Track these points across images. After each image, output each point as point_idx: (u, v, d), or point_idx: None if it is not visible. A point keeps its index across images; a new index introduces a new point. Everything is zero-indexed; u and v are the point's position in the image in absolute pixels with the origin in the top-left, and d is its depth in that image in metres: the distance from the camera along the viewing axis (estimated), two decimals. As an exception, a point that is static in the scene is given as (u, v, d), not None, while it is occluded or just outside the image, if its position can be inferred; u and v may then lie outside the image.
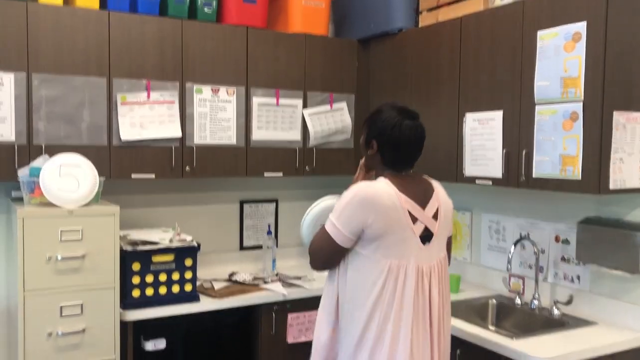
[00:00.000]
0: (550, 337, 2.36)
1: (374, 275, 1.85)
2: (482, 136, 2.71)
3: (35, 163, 2.56)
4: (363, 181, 1.98)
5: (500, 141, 2.62)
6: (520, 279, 2.90)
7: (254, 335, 3.00)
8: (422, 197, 1.95)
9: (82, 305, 2.52)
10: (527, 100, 2.49)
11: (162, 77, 2.93)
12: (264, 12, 3.24)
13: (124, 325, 2.64)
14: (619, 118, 2.25)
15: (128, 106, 2.86)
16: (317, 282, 3.15)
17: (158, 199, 3.32)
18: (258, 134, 3.21)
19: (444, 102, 2.93)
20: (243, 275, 3.17)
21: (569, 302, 2.60)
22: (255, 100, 3.20)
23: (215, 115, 3.09)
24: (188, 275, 2.80)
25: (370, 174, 2.10)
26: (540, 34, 2.43)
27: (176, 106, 2.97)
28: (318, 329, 2.01)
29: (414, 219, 1.89)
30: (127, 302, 2.66)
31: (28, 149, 2.65)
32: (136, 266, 2.68)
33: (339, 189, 3.65)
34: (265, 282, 3.11)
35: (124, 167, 2.86)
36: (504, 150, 2.60)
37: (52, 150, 2.66)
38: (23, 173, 2.54)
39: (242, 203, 3.57)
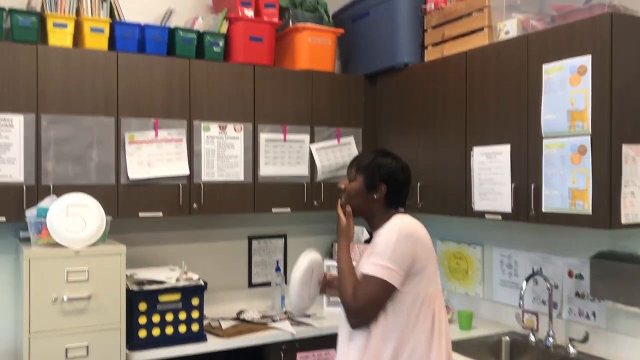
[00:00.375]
0: (566, 378, 2.29)
1: (416, 309, 1.88)
2: (490, 170, 2.69)
3: (43, 203, 2.57)
4: (399, 218, 1.94)
5: (509, 175, 2.59)
6: (533, 315, 2.83)
7: (263, 375, 2.94)
8: None
9: (87, 346, 2.49)
10: (535, 134, 2.47)
11: (170, 116, 2.96)
12: (270, 50, 3.27)
13: (130, 366, 2.61)
14: (629, 151, 2.21)
15: (136, 145, 2.88)
16: (326, 320, 3.10)
17: (165, 237, 3.31)
18: (265, 170, 3.21)
19: (452, 136, 2.92)
20: (251, 314, 3.13)
21: (585, 339, 2.52)
22: (263, 136, 3.21)
23: (223, 152, 3.10)
24: (195, 314, 2.76)
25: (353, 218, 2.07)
26: (546, 67, 2.42)
27: (184, 144, 2.99)
28: None
29: None
30: (133, 343, 2.63)
31: (36, 190, 2.67)
32: (142, 306, 2.66)
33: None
34: (274, 321, 3.06)
35: (131, 206, 2.86)
36: (513, 185, 2.57)
37: (61, 190, 2.67)
38: (31, 213, 2.55)
39: (250, 239, 3.55)
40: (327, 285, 2.21)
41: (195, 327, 2.76)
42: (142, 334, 2.66)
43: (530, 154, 2.49)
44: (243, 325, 3.02)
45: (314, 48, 3.35)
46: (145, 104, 2.90)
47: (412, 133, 3.19)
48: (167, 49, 3.03)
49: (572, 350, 2.54)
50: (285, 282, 3.46)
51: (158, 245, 3.28)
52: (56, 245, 2.49)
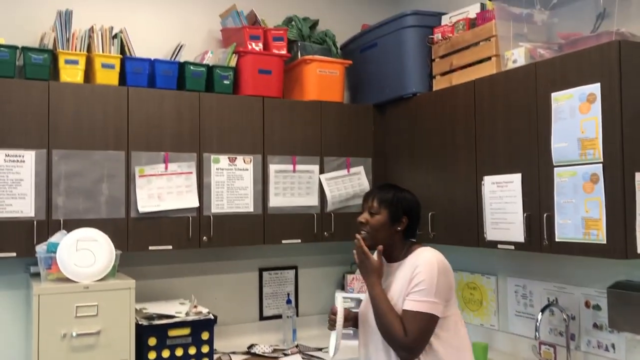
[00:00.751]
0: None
1: (455, 328, 2.03)
2: (502, 199, 2.65)
3: (53, 239, 2.57)
4: (428, 252, 2.04)
5: (521, 204, 2.56)
6: (551, 347, 2.76)
7: (274, 411, 2.89)
8: None
9: (96, 383, 2.46)
10: (545, 162, 2.44)
11: (179, 149, 2.97)
12: (279, 82, 3.30)
13: (139, 403, 2.57)
14: (642, 179, 2.17)
15: (146, 178, 2.89)
16: (338, 353, 3.03)
17: (175, 270, 3.30)
18: (275, 201, 3.20)
19: (462, 165, 2.90)
20: (262, 348, 3.09)
21: (604, 373, 2.45)
22: (272, 168, 3.21)
23: (232, 184, 3.10)
24: (205, 349, 2.73)
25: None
26: (555, 95, 2.41)
27: (194, 176, 3.00)
28: None
29: None
30: (142, 378, 2.61)
31: (47, 224, 2.68)
32: (152, 341, 2.64)
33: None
34: (285, 354, 3.02)
35: (141, 240, 2.86)
36: (525, 214, 2.53)
37: (71, 224, 2.68)
38: (41, 249, 2.56)
39: (260, 271, 3.53)
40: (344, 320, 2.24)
41: (205, 362, 2.73)
42: (152, 369, 2.63)
43: (541, 183, 2.46)
44: (254, 359, 2.97)
45: (323, 79, 3.37)
46: (155, 137, 2.92)
47: (422, 162, 3.17)
48: (177, 82, 3.07)
49: (591, 384, 2.46)
50: (297, 315, 3.43)
51: (168, 278, 3.27)
52: (66, 280, 2.49)
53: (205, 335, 2.74)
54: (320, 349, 3.10)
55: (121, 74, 2.94)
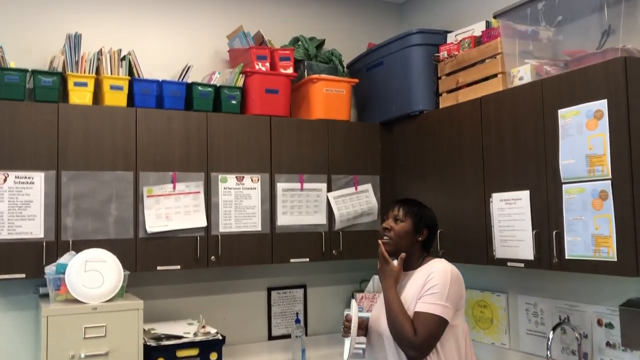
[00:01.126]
0: None
1: (460, 340, 2.13)
2: (510, 217, 2.64)
3: (62, 260, 2.59)
4: (442, 262, 2.19)
5: (529, 222, 2.54)
6: (563, 367, 2.72)
7: None
8: None
9: (104, 405, 2.45)
10: (554, 179, 2.43)
11: (187, 169, 2.99)
12: (286, 101, 3.32)
13: None
14: (652, 195, 2.15)
15: (154, 198, 2.90)
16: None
17: (183, 289, 3.29)
18: (283, 220, 3.20)
19: (470, 182, 2.89)
20: (271, 367, 3.07)
21: (618, 392, 2.41)
22: (280, 186, 3.21)
23: (240, 203, 3.11)
24: (213, 369, 2.72)
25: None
26: (562, 112, 2.40)
27: (201, 196, 3.01)
28: None
29: None
30: (150, 400, 2.59)
31: (56, 245, 2.69)
32: (160, 362, 2.63)
33: (366, 272, 3.58)
34: (294, 374, 3.00)
35: (149, 260, 2.86)
36: (534, 231, 2.51)
37: (80, 245, 2.69)
38: (50, 270, 2.57)
39: (269, 290, 3.52)
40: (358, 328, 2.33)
41: (213, 383, 2.72)
42: (160, 391, 2.62)
43: (550, 200, 2.45)
44: (262, 380, 2.95)
45: (329, 98, 3.39)
46: (163, 157, 2.94)
47: (430, 179, 3.16)
48: (184, 103, 3.10)
49: (605, 404, 2.42)
50: (306, 334, 3.41)
51: (176, 298, 3.27)
52: (74, 301, 2.50)
53: (213, 356, 2.73)
54: (329, 369, 3.08)
55: (129, 95, 2.97)
